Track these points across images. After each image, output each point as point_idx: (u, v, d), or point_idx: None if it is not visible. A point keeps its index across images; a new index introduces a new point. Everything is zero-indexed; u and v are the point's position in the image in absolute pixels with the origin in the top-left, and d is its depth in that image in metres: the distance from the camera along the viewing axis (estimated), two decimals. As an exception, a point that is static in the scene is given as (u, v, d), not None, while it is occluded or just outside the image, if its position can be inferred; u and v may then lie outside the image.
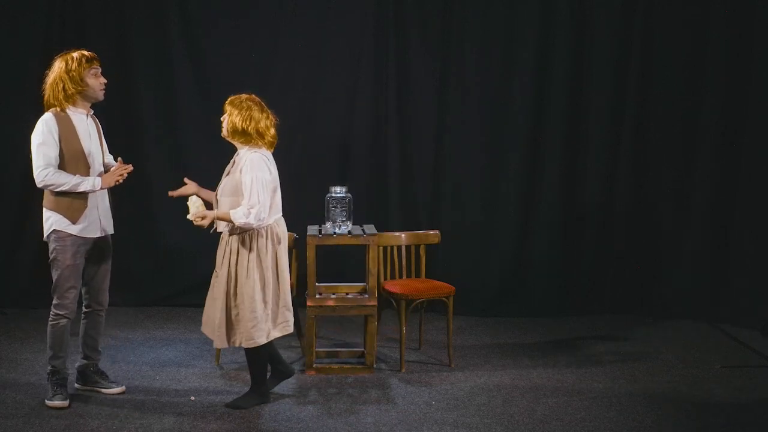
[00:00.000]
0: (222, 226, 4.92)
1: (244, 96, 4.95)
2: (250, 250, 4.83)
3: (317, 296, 5.60)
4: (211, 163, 7.12)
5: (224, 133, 4.96)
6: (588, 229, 7.26)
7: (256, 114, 4.87)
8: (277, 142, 5.01)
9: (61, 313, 4.93)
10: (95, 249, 5.05)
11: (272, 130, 4.93)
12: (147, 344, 6.21)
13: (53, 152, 4.83)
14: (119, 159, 5.08)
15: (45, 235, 4.96)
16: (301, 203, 6.59)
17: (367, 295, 5.65)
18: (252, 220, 4.74)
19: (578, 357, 6.02)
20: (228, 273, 4.85)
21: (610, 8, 7.08)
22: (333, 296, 5.68)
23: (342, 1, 7.19)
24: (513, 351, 6.17)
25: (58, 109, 4.88)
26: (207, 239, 7.08)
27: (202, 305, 6.90)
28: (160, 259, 7.29)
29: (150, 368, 5.66)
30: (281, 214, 5.00)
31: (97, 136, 5.05)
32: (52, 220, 4.93)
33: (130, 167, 5.04)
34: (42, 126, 4.84)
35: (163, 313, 7.06)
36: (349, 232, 5.68)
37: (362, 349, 5.77)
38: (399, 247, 6.07)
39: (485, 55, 7.18)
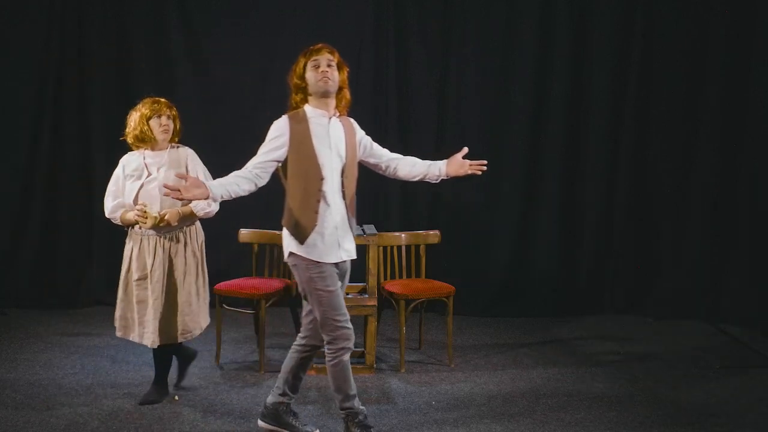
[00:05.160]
0: (173, 222, 4.83)
1: None
2: (193, 243, 4.94)
3: (317, 296, 5.60)
4: (211, 162, 7.15)
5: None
6: (588, 229, 7.27)
7: None
8: None
9: (341, 347, 4.29)
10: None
11: None
12: (147, 344, 6.20)
13: (261, 151, 4.27)
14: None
15: (285, 257, 4.37)
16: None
17: (367, 295, 5.65)
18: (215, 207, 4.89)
19: (578, 357, 6.02)
20: (172, 271, 4.85)
21: (610, 8, 7.09)
22: (333, 296, 5.67)
23: (342, 1, 7.19)
24: (513, 351, 6.17)
25: (297, 111, 4.37)
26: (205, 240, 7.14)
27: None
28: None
29: (150, 368, 5.62)
30: None
31: (343, 140, 4.38)
32: (287, 241, 4.33)
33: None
34: (271, 127, 4.36)
35: (163, 313, 7.04)
36: (349, 232, 5.67)
37: (362, 349, 5.77)
38: (399, 247, 6.06)
39: (485, 54, 7.18)
